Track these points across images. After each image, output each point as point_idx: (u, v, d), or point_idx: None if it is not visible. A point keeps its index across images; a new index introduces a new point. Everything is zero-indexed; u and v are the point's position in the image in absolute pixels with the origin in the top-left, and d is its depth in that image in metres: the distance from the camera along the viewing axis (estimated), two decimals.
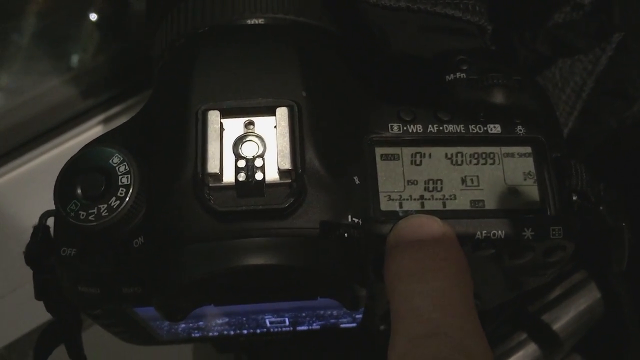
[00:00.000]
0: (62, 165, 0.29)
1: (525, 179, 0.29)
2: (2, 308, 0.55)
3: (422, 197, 0.28)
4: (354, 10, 0.32)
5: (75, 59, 0.61)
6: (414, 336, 0.22)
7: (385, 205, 0.27)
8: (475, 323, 0.23)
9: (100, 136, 0.29)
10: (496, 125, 0.29)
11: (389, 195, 0.28)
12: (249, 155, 0.25)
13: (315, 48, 0.30)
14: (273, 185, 0.25)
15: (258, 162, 0.25)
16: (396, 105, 0.29)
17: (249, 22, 0.30)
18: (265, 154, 0.25)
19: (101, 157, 0.26)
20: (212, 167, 0.24)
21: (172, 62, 0.31)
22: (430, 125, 0.29)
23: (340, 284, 0.25)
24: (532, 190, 0.28)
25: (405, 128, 0.29)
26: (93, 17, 0.59)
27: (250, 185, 0.24)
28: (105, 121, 0.61)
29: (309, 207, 0.25)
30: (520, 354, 0.43)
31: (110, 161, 0.26)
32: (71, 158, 0.27)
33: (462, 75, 0.31)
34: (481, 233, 0.27)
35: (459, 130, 0.29)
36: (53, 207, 0.27)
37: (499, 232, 0.27)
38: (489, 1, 0.34)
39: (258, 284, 0.27)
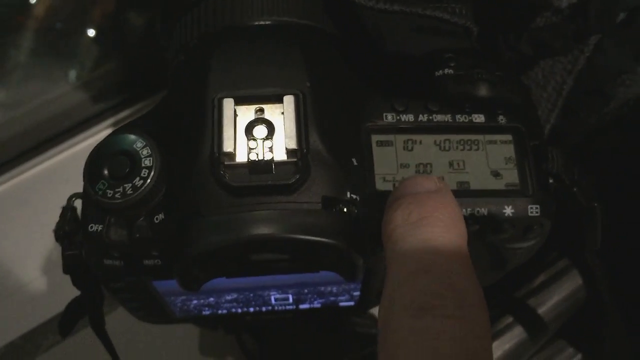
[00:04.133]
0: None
1: (506, 164, 0.32)
2: (17, 301, 0.57)
3: None
4: (352, 13, 0.35)
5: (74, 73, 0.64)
6: (404, 275, 0.23)
7: (380, 185, 0.30)
8: (465, 263, 0.23)
9: (123, 125, 0.32)
10: (480, 115, 0.32)
11: (384, 177, 0.31)
12: (260, 137, 0.28)
13: (317, 46, 0.33)
14: (281, 163, 0.28)
15: (267, 144, 0.28)
16: (390, 98, 0.32)
17: (256, 23, 0.34)
18: (274, 137, 0.28)
19: (126, 142, 0.29)
20: (227, 146, 0.27)
21: (187, 59, 0.34)
22: (420, 115, 0.32)
23: (339, 252, 0.28)
24: (512, 174, 0.31)
25: (398, 117, 0.32)
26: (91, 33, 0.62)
27: (260, 164, 0.27)
28: (115, 125, 0.64)
29: (312, 183, 0.28)
30: (507, 336, 0.46)
31: (134, 145, 0.29)
32: (98, 144, 0.30)
33: (449, 71, 0.34)
34: (466, 210, 0.30)
35: (446, 120, 0.32)
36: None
37: (483, 209, 0.30)
38: (475, 5, 0.37)
39: (265, 256, 0.30)
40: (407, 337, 0.21)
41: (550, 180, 0.32)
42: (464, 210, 0.30)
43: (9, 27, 0.60)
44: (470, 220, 0.30)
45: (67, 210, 0.32)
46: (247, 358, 0.50)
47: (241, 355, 0.51)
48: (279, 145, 0.28)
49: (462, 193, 0.31)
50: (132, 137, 0.29)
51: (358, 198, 0.29)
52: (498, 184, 0.31)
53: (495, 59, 0.38)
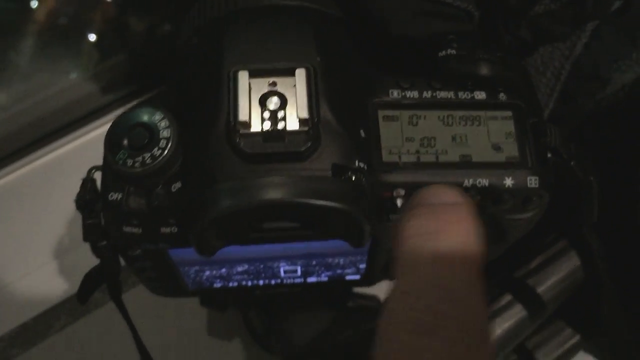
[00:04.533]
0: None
1: (506, 138, 0.33)
2: (29, 284, 0.59)
3: (418, 151, 0.32)
4: None
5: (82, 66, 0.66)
6: (410, 288, 0.22)
7: (386, 157, 0.32)
8: (475, 283, 0.22)
9: (141, 100, 0.34)
10: (482, 92, 0.34)
11: (390, 150, 0.32)
12: (273, 108, 0.29)
13: (326, 27, 0.34)
14: (293, 132, 0.29)
15: (280, 114, 0.29)
16: (395, 76, 0.34)
17: (267, 4, 0.35)
18: (287, 108, 0.29)
19: (145, 115, 0.31)
20: (242, 116, 0.29)
21: (200, 41, 0.36)
22: (425, 92, 0.33)
23: (347, 217, 0.30)
24: (512, 147, 0.33)
25: (403, 94, 0.33)
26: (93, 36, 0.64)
27: (274, 132, 0.29)
28: None
29: (322, 151, 0.29)
30: (507, 314, 0.47)
31: (153, 118, 0.31)
32: (118, 116, 0.32)
33: (452, 51, 0.35)
34: (468, 181, 0.32)
35: (449, 96, 0.33)
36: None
37: (484, 180, 0.32)
38: None
39: (277, 224, 0.32)
40: (403, 355, 0.21)
41: (549, 155, 0.33)
42: (465, 181, 0.32)
43: (22, 27, 0.62)
44: (472, 190, 0.32)
45: (87, 181, 0.34)
46: (253, 337, 0.52)
47: (247, 335, 0.52)
48: (291, 115, 0.29)
49: (465, 165, 0.32)
50: (151, 110, 0.31)
51: (366, 167, 0.30)
52: (499, 157, 0.33)
53: (494, 41, 0.39)
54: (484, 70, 0.35)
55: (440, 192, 0.26)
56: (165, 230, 0.32)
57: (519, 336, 0.48)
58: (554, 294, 0.48)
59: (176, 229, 0.32)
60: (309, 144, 0.29)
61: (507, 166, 0.32)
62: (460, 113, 0.33)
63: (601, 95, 0.44)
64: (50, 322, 0.58)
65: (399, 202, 0.32)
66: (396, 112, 0.33)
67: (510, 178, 0.32)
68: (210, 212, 0.29)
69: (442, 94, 0.33)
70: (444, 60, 0.35)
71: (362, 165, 0.30)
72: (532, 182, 0.32)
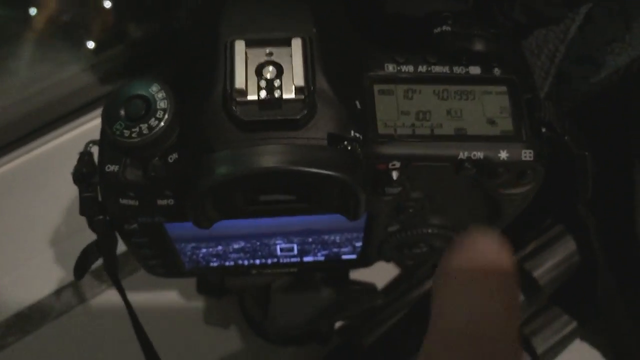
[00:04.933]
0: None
1: (501, 112, 0.33)
2: (24, 273, 0.59)
3: (413, 125, 0.33)
4: None
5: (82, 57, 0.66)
6: (447, 332, 0.22)
7: (382, 129, 0.32)
8: (513, 332, 0.22)
9: (138, 73, 0.34)
10: (476, 67, 0.34)
11: (385, 123, 0.32)
12: (269, 77, 0.30)
13: (323, 1, 0.35)
14: (289, 101, 0.29)
15: (276, 83, 0.29)
16: (391, 51, 0.34)
17: None
18: (283, 77, 0.30)
19: (142, 87, 0.31)
20: (239, 84, 0.29)
21: (196, 19, 0.36)
22: (420, 66, 0.34)
23: (343, 186, 0.30)
24: (507, 122, 0.33)
25: (399, 68, 0.34)
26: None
27: (270, 100, 0.29)
28: None
29: (318, 120, 0.29)
30: None
31: (150, 89, 0.31)
32: (115, 89, 0.32)
33: (447, 28, 0.36)
34: (463, 154, 0.32)
35: (444, 71, 0.34)
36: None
37: (479, 153, 0.32)
38: None
39: (273, 196, 0.32)
40: None
41: (543, 130, 0.34)
42: (461, 153, 0.32)
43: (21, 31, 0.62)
44: (467, 163, 0.32)
45: (84, 154, 0.34)
46: (249, 324, 0.52)
47: (244, 323, 0.52)
48: (287, 84, 0.29)
49: (460, 138, 0.32)
50: (148, 81, 0.31)
51: (361, 137, 0.31)
52: (493, 131, 0.33)
53: (488, 20, 0.40)
54: (479, 46, 0.35)
55: (480, 252, 0.23)
56: (161, 202, 0.32)
57: None
58: (550, 278, 0.48)
59: (172, 202, 0.32)
60: (305, 112, 0.29)
61: (501, 139, 0.33)
62: (455, 87, 0.33)
63: (596, 78, 0.44)
64: (45, 310, 0.58)
65: (394, 174, 0.32)
66: (391, 86, 0.33)
67: (505, 151, 0.32)
68: (207, 180, 0.29)
69: (437, 69, 0.34)
70: (439, 37, 0.35)
71: (357, 135, 0.30)
72: (527, 155, 0.32)
